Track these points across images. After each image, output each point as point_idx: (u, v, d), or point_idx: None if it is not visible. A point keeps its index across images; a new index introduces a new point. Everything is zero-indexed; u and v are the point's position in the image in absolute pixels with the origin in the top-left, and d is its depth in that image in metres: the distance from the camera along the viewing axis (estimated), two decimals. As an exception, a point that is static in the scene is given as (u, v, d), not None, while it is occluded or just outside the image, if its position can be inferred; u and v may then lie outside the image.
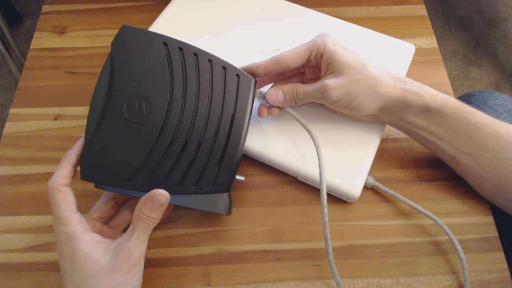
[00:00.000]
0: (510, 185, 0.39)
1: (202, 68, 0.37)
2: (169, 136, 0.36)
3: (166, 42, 0.37)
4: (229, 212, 0.38)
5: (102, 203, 0.38)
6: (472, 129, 0.38)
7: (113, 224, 0.39)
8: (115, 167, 0.35)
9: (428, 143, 0.41)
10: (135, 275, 0.33)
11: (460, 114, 0.38)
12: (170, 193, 0.35)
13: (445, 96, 0.39)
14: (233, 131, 0.37)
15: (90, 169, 0.35)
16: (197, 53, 0.37)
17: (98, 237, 0.34)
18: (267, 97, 0.41)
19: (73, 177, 0.36)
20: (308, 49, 0.40)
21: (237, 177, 0.39)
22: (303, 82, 0.44)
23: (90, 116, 0.36)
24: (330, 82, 0.38)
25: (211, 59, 0.38)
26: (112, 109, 0.36)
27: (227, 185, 0.37)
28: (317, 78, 0.42)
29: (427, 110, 0.39)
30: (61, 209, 0.33)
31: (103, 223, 0.38)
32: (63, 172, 0.35)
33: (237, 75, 0.38)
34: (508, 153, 0.38)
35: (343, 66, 0.39)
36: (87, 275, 0.32)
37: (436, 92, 0.39)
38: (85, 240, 0.33)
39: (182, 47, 0.37)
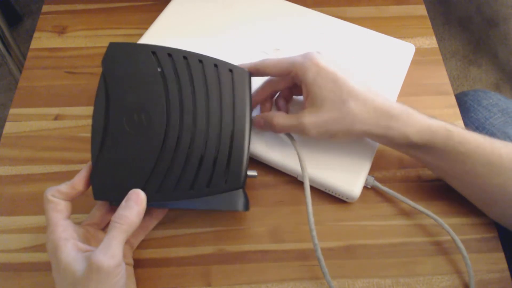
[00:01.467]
0: (499, 207, 0.39)
1: (194, 69, 0.37)
2: (172, 143, 0.36)
3: (154, 51, 0.37)
4: (247, 208, 0.37)
5: (96, 209, 0.38)
6: (461, 159, 0.37)
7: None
8: (125, 181, 0.35)
9: (419, 162, 0.42)
10: (113, 286, 0.30)
11: (449, 146, 0.37)
12: (184, 198, 0.35)
13: (433, 129, 0.37)
14: (236, 125, 0.37)
15: (101, 188, 0.36)
16: (186, 56, 0.38)
17: (81, 245, 0.33)
18: (252, 123, 0.40)
19: (72, 197, 0.35)
20: (288, 68, 0.39)
21: (249, 172, 0.39)
22: (298, 91, 0.43)
23: (93, 137, 0.36)
24: (308, 120, 0.38)
25: (201, 59, 0.38)
26: (113, 126, 0.36)
27: (240, 182, 0.37)
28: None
29: (412, 146, 0.38)
30: (50, 216, 0.33)
31: (98, 229, 0.37)
32: (62, 188, 0.34)
33: (230, 70, 0.38)
34: (498, 179, 0.37)
35: (323, 102, 0.37)
36: (68, 286, 0.31)
37: (424, 127, 0.37)
38: (67, 249, 0.31)
39: (171, 53, 0.37)
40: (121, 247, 0.31)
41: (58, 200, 0.34)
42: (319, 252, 0.37)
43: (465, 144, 0.37)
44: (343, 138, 0.39)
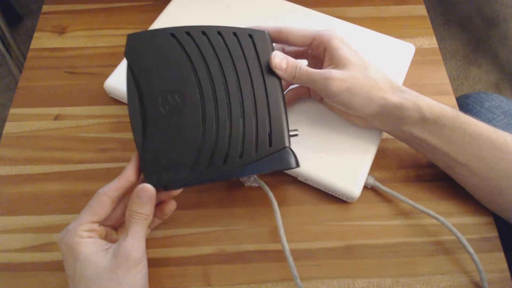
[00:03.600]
0: (504, 196, 0.39)
1: (215, 42, 0.38)
2: (211, 116, 0.36)
3: (172, 32, 0.38)
4: (298, 164, 0.37)
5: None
6: (468, 140, 0.38)
7: (122, 230, 0.38)
8: (174, 164, 0.36)
9: (424, 151, 0.41)
10: (137, 273, 0.33)
11: (456, 125, 0.38)
12: (235, 168, 0.36)
13: (442, 106, 0.39)
14: (268, 86, 0.38)
15: (152, 175, 0.36)
16: (204, 31, 0.38)
17: (100, 241, 0.34)
18: (271, 58, 0.38)
19: (127, 189, 0.36)
20: (311, 36, 0.40)
21: (290, 132, 0.39)
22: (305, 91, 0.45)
23: (134, 128, 0.36)
24: (335, 72, 0.38)
25: (220, 31, 0.38)
26: (150, 113, 0.36)
27: (284, 140, 0.37)
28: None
29: (423, 120, 0.39)
30: (83, 213, 0.34)
31: (112, 229, 0.38)
32: (118, 185, 0.35)
33: (250, 35, 0.39)
34: (504, 164, 0.38)
35: (347, 63, 0.39)
36: (88, 278, 0.32)
37: (434, 103, 0.39)
38: (86, 244, 0.33)
39: (188, 31, 0.38)
40: (144, 239, 0.34)
41: (107, 203, 0.35)
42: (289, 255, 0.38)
43: (471, 125, 0.38)
44: (361, 102, 0.39)
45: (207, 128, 0.36)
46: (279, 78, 0.39)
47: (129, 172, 0.36)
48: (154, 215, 0.39)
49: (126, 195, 0.36)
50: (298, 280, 0.37)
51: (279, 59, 0.39)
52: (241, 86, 0.37)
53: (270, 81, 0.38)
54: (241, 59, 0.38)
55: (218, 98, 0.37)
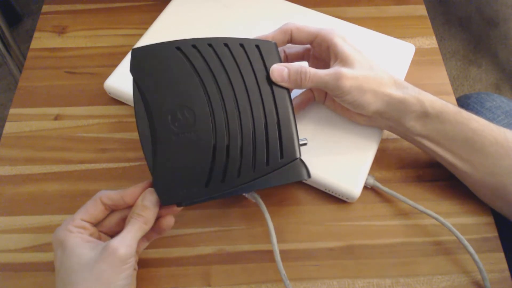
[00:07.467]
0: (508, 192, 0.39)
1: (222, 54, 0.37)
2: (223, 131, 0.36)
3: (178, 46, 0.37)
4: (309, 175, 0.37)
5: (107, 219, 0.37)
6: (470, 136, 0.38)
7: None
8: (188, 181, 0.35)
9: (427, 149, 0.41)
10: (121, 272, 0.32)
11: (459, 121, 0.38)
12: (248, 181, 0.36)
13: (444, 102, 0.39)
14: (276, 98, 0.37)
15: (166, 193, 0.35)
16: (211, 43, 0.37)
17: (89, 237, 0.34)
18: (270, 73, 0.38)
19: (117, 207, 0.36)
20: (314, 33, 0.40)
21: (300, 141, 0.38)
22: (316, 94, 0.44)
23: (144, 146, 0.36)
24: (346, 71, 0.38)
25: (226, 42, 0.38)
26: (161, 130, 0.36)
27: (295, 152, 0.37)
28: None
29: (425, 116, 0.39)
30: (77, 211, 0.35)
31: (108, 236, 0.37)
32: (115, 196, 0.35)
33: (256, 46, 0.38)
34: (506, 160, 0.38)
35: (355, 61, 0.39)
36: (71, 270, 0.32)
37: (436, 98, 0.39)
38: (74, 237, 0.33)
39: (195, 44, 0.37)
40: (136, 242, 0.34)
41: (100, 206, 0.35)
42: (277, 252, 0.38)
43: (473, 121, 0.38)
44: (369, 100, 0.39)
45: (219, 142, 0.36)
46: (287, 88, 0.38)
47: (131, 193, 0.36)
48: (153, 229, 0.38)
49: (120, 208, 0.37)
50: (288, 282, 0.37)
51: (278, 71, 0.38)
52: (250, 98, 0.37)
53: (279, 91, 0.38)
54: (249, 71, 0.37)
55: (228, 112, 0.36)
